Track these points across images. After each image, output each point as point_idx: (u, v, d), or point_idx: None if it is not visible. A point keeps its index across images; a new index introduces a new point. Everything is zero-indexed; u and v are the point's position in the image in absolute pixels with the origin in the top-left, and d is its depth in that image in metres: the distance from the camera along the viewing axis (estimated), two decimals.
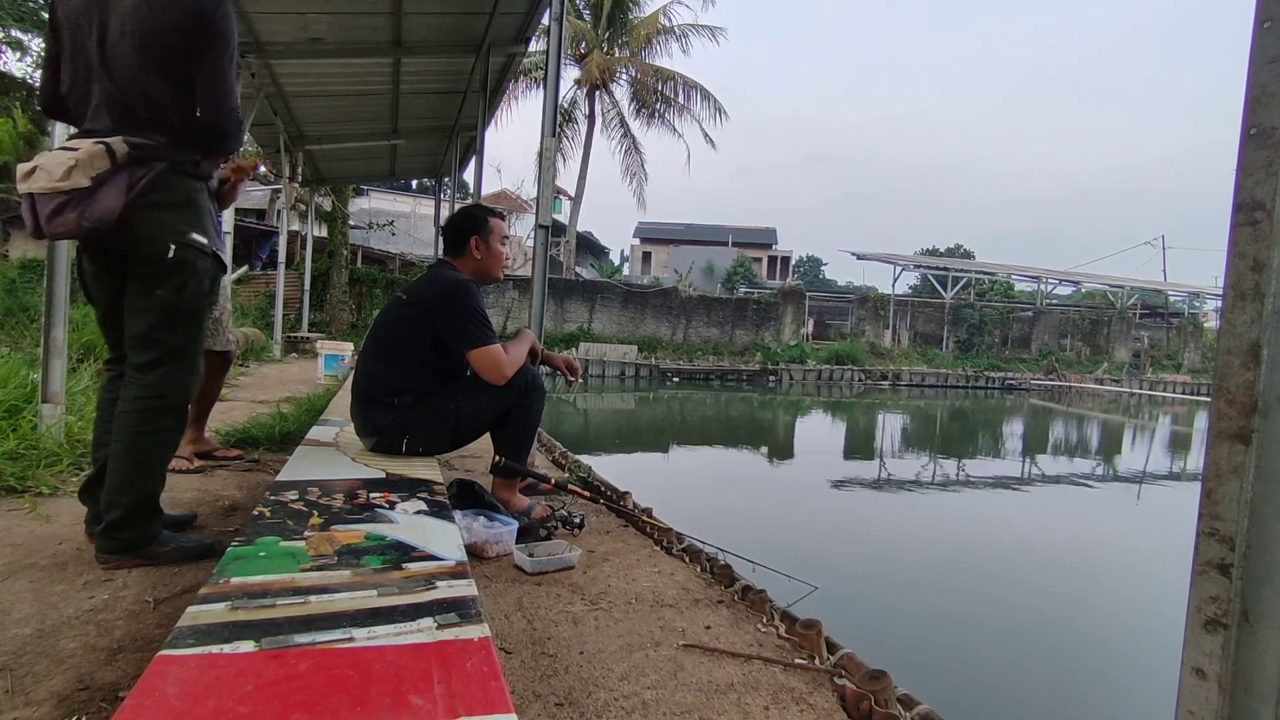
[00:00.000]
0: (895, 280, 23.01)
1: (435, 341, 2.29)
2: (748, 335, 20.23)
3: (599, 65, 20.65)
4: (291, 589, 1.22)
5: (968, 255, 34.83)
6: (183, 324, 1.72)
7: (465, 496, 2.24)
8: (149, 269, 1.65)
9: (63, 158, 1.52)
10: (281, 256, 9.91)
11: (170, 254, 1.63)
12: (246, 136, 6.52)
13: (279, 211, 9.27)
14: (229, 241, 2.52)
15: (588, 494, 2.65)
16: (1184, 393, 20.21)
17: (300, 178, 9.32)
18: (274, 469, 2.70)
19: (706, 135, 22.68)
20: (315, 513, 1.67)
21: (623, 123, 22.46)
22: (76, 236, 1.59)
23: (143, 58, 1.59)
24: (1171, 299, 27.61)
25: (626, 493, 2.74)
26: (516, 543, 2.02)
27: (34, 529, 1.95)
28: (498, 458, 2.32)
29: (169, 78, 1.62)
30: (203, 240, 1.69)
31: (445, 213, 10.90)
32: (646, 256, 36.19)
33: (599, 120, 22.32)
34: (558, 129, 3.37)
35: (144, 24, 1.58)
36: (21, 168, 1.57)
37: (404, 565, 1.37)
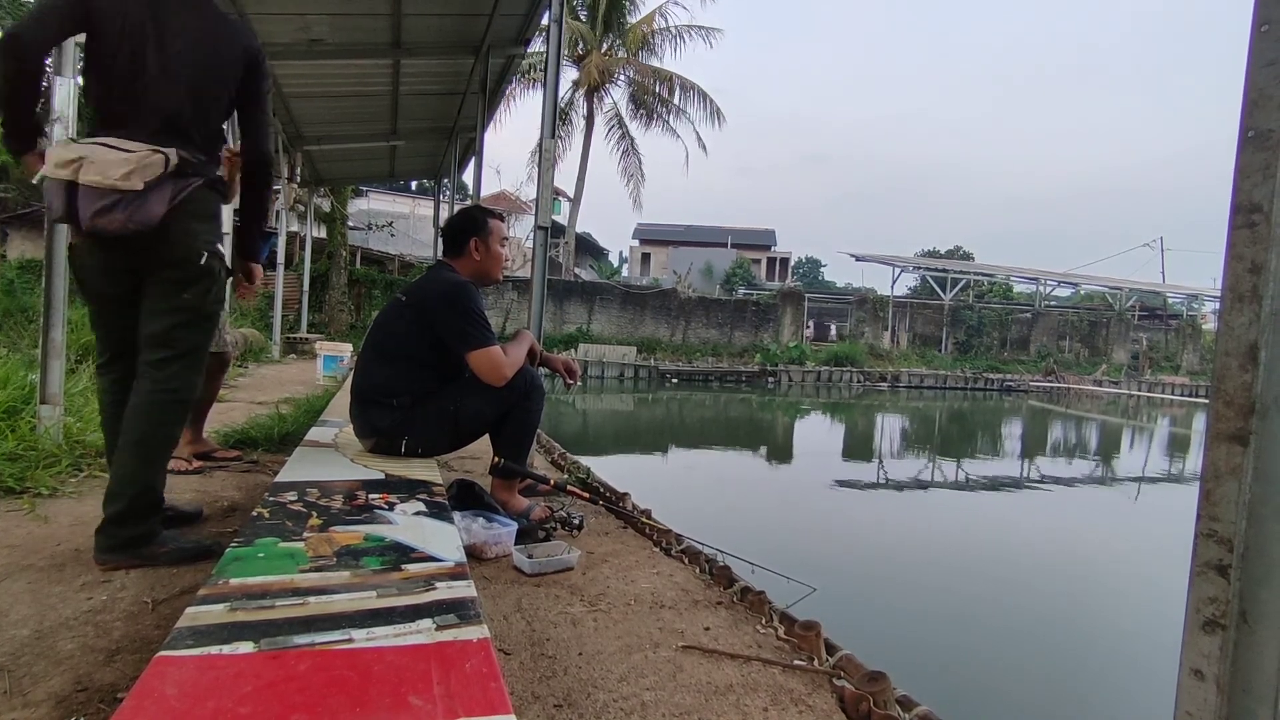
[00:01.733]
0: (894, 282, 23.07)
1: (434, 342, 2.29)
2: (747, 336, 20.24)
3: (597, 66, 20.67)
4: (290, 590, 1.22)
5: (967, 257, 34.85)
6: (202, 326, 1.82)
7: (464, 497, 2.24)
8: (180, 274, 1.75)
9: (118, 158, 1.57)
10: (280, 257, 9.90)
11: (202, 261, 1.75)
12: None
13: (278, 212, 9.25)
14: (228, 243, 2.55)
15: (587, 495, 2.65)
16: (1182, 394, 20.23)
17: (299, 178, 9.32)
18: (273, 470, 2.70)
19: (700, 139, 22.79)
20: (314, 514, 1.67)
21: (621, 124, 22.50)
22: (119, 234, 1.61)
23: (200, 82, 1.73)
24: (1170, 301, 27.65)
25: (625, 494, 2.74)
26: (515, 544, 2.02)
27: (32, 530, 1.94)
28: (497, 459, 2.32)
29: (218, 103, 1.79)
30: (224, 251, 1.84)
31: (444, 214, 10.91)
32: (645, 258, 36.19)
33: (597, 121, 22.35)
34: (556, 130, 3.39)
35: (207, 53, 1.74)
36: (60, 155, 1.58)
37: (403, 566, 1.37)
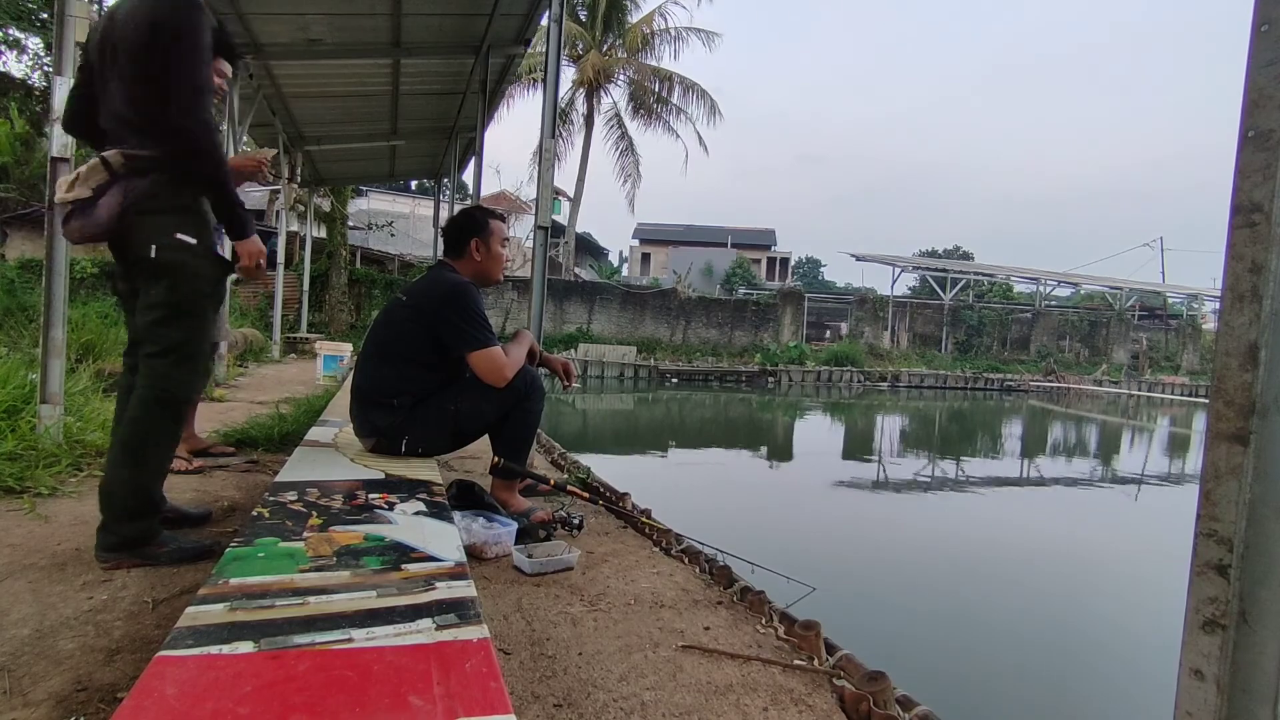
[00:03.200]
0: (894, 282, 23.08)
1: (435, 343, 2.29)
2: (746, 336, 20.24)
3: (594, 66, 20.67)
4: (290, 590, 1.22)
5: (966, 256, 34.89)
6: (182, 321, 1.77)
7: (464, 497, 2.24)
8: (141, 270, 1.76)
9: (70, 172, 1.69)
10: (280, 257, 9.87)
11: (153, 254, 1.71)
12: (245, 137, 6.52)
13: (278, 212, 9.27)
14: (228, 241, 2.57)
15: (587, 495, 2.65)
16: (1182, 394, 20.23)
17: (299, 178, 9.32)
18: (273, 470, 2.70)
19: (700, 138, 22.77)
20: (314, 513, 1.67)
21: (620, 124, 22.50)
22: (79, 242, 1.74)
23: (130, 71, 1.70)
24: (1170, 301, 27.65)
25: (625, 494, 2.74)
26: (515, 544, 2.02)
27: (32, 529, 1.94)
28: (497, 459, 2.32)
29: (149, 86, 1.69)
30: (191, 240, 1.75)
31: (444, 214, 10.91)
32: (645, 257, 36.19)
33: (597, 121, 22.35)
34: (556, 130, 3.39)
35: (126, 38, 1.69)
36: (61, 183, 1.74)
37: (403, 566, 1.37)
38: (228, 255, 2.88)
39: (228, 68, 2.70)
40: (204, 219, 1.81)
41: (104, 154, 1.66)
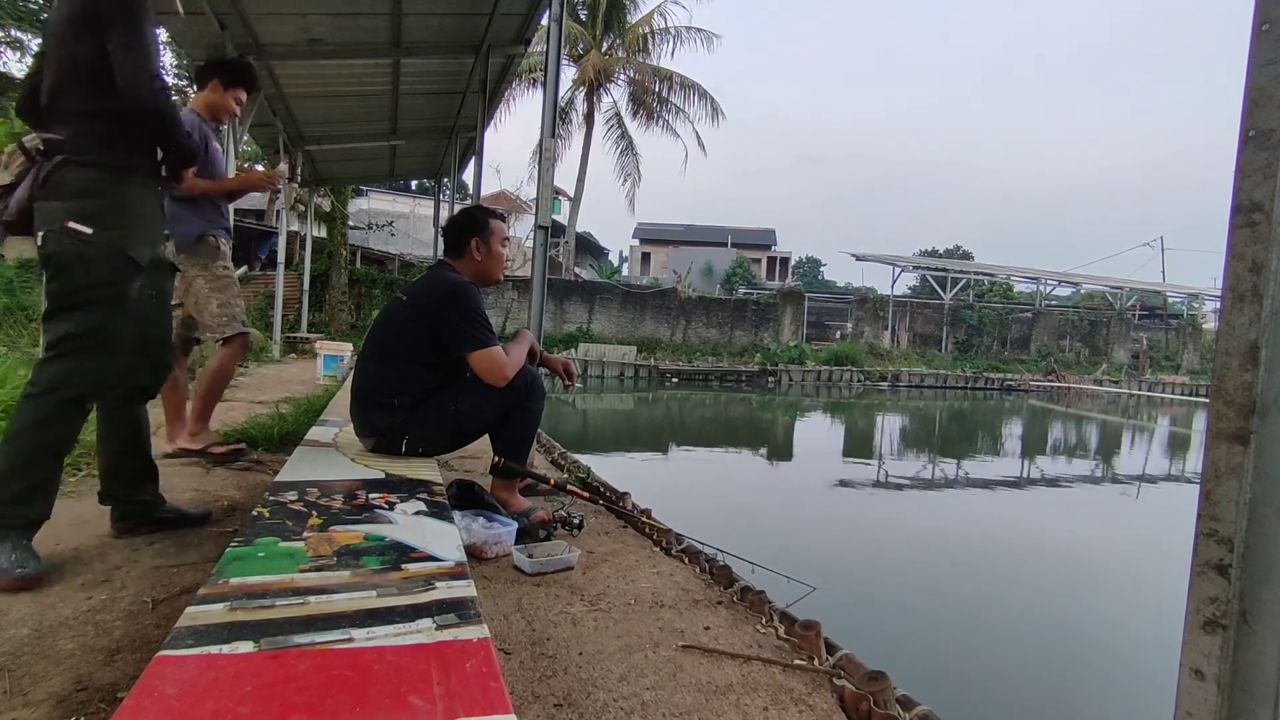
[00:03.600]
0: (894, 281, 23.06)
1: (435, 343, 2.29)
2: (747, 336, 20.24)
3: (594, 66, 20.68)
4: (291, 589, 1.22)
5: (967, 256, 34.88)
6: (66, 315, 1.61)
7: (465, 497, 2.24)
8: (41, 259, 1.65)
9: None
10: (281, 257, 9.89)
11: (39, 241, 1.62)
12: (245, 137, 6.52)
13: (278, 212, 9.27)
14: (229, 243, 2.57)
15: (587, 495, 2.65)
16: (1182, 394, 20.22)
17: (300, 178, 9.31)
18: (273, 469, 2.70)
19: (700, 139, 22.80)
20: (314, 513, 1.67)
21: (620, 123, 22.50)
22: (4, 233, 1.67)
23: (60, 53, 1.63)
24: (1170, 300, 27.64)
25: (625, 494, 2.74)
26: (515, 544, 2.02)
27: None
28: (497, 459, 2.32)
29: (77, 68, 1.61)
30: (85, 230, 1.59)
31: (445, 213, 10.90)
32: (646, 257, 36.19)
33: (597, 121, 22.35)
34: (556, 129, 3.40)
35: (60, 19, 1.64)
36: None
37: (403, 566, 1.37)
38: (223, 259, 2.86)
39: (244, 96, 2.71)
40: (117, 212, 1.64)
41: (23, 139, 1.61)
